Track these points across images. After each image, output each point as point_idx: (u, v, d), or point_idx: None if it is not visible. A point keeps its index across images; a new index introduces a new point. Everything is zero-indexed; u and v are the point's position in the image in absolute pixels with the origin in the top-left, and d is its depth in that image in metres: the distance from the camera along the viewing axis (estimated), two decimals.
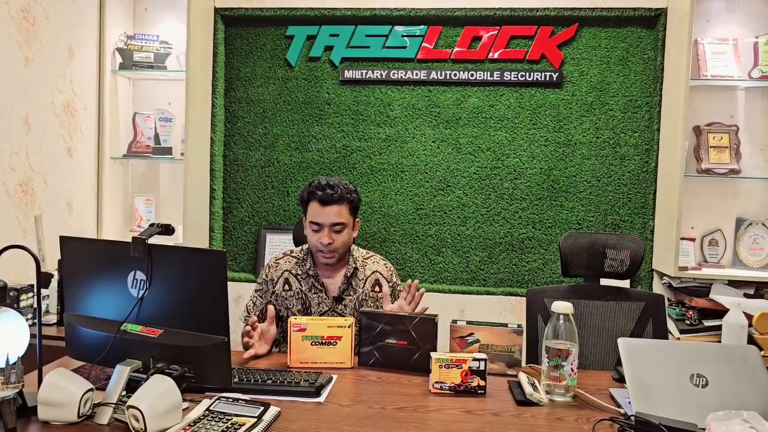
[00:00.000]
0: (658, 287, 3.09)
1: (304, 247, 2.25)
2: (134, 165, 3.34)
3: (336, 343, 1.88)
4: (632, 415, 1.49)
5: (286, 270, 2.20)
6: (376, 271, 2.23)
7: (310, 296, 2.16)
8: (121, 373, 1.48)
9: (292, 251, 2.26)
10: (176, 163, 3.23)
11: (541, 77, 3.16)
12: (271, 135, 3.33)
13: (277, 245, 3.28)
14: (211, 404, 1.46)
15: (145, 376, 1.46)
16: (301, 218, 3.16)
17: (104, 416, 1.42)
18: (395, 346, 1.89)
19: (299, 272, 2.18)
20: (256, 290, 2.24)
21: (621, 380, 1.82)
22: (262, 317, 2.17)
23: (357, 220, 2.20)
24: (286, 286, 2.17)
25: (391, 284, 2.23)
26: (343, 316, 2.14)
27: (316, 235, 2.11)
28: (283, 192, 3.34)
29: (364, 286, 2.19)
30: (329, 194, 2.09)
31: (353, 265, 2.19)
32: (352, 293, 2.18)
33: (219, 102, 3.33)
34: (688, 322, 2.84)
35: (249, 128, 3.35)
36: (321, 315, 2.14)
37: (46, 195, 2.69)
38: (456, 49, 3.21)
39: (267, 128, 3.34)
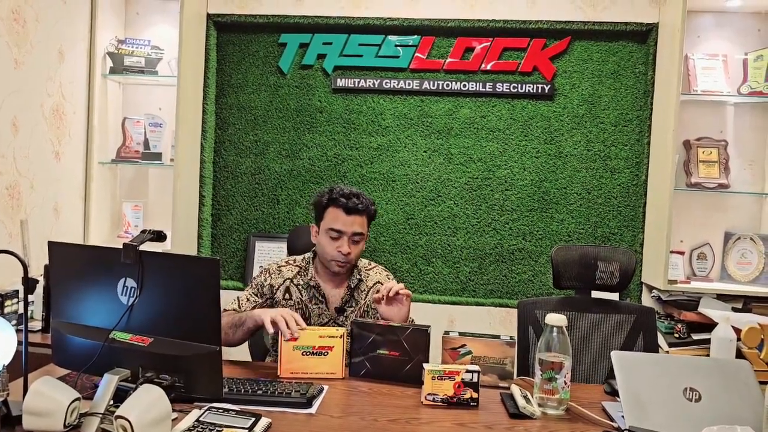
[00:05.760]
0: (647, 300, 3.10)
1: (306, 255, 2.19)
2: (123, 170, 3.30)
3: (327, 353, 1.86)
4: (626, 429, 1.48)
5: (288, 278, 2.14)
6: (378, 282, 2.17)
7: (311, 307, 2.11)
8: (108, 382, 1.44)
9: (294, 259, 2.20)
10: (165, 168, 3.19)
11: (533, 89, 3.18)
12: (262, 142, 3.32)
13: (267, 253, 3.26)
14: (201, 415, 1.43)
15: (133, 386, 1.42)
16: (295, 226, 3.16)
17: (91, 426, 1.38)
18: (387, 356, 1.87)
19: (300, 282, 2.13)
20: (251, 287, 2.18)
21: (613, 393, 1.81)
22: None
23: (368, 232, 2.16)
24: (287, 295, 2.12)
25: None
26: (344, 327, 2.11)
27: (334, 243, 2.05)
28: (273, 200, 3.32)
29: (366, 298, 2.14)
30: (355, 203, 2.05)
31: (357, 277, 2.14)
32: (354, 305, 2.13)
33: (210, 108, 3.30)
34: (676, 335, 2.84)
35: (240, 135, 3.33)
36: (321, 326, 2.10)
37: (33, 199, 2.65)
38: (449, 59, 3.22)
39: (258, 135, 3.32)
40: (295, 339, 1.84)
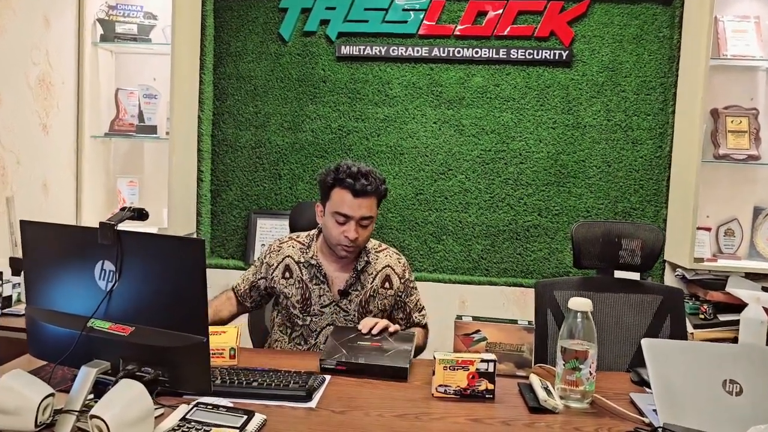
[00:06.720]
0: (670, 279, 2.95)
1: (311, 232, 2.06)
2: (117, 144, 3.15)
3: (220, 334, 1.73)
4: (660, 427, 1.34)
5: (288, 256, 2.01)
6: (388, 266, 2.03)
7: (311, 287, 1.98)
8: (86, 375, 1.31)
9: (298, 236, 2.08)
10: (161, 142, 3.04)
11: (549, 55, 3.00)
12: (263, 114, 3.16)
13: (269, 231, 3.12)
14: (188, 412, 1.30)
15: (114, 379, 1.29)
16: (298, 202, 3.02)
17: (66, 425, 1.25)
18: (368, 346, 1.75)
19: (302, 260, 2.00)
20: (254, 264, 2.10)
21: (641, 383, 1.67)
22: (249, 292, 2.06)
23: (377, 211, 2.00)
24: (287, 273, 2.00)
25: (403, 281, 2.05)
26: (347, 311, 1.98)
27: (340, 228, 1.90)
28: (274, 174, 3.17)
29: (373, 282, 2.00)
30: (364, 185, 1.87)
31: (365, 259, 2.00)
32: (359, 288, 1.99)
33: (207, 78, 3.15)
34: (702, 316, 2.71)
35: (239, 106, 3.18)
36: (322, 308, 1.98)
37: (19, 175, 2.50)
38: (460, 24, 3.04)
39: (258, 107, 3.16)
40: None
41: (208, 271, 3.18)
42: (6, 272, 2.27)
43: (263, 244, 3.03)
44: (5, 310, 2.20)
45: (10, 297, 2.25)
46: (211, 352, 1.66)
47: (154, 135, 3.04)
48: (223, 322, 2.02)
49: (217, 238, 3.23)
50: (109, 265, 1.35)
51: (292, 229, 2.38)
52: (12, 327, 2.09)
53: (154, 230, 2.87)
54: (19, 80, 2.48)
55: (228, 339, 1.72)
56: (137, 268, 1.33)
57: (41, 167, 2.65)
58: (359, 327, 1.85)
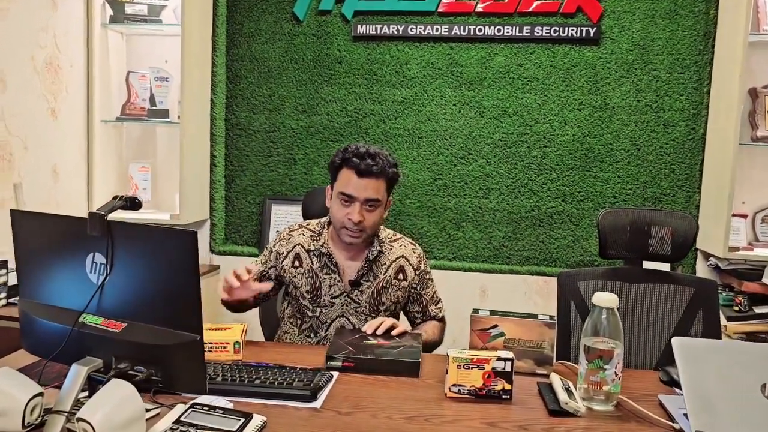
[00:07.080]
0: (702, 269, 2.81)
1: (322, 220, 1.99)
2: (129, 128, 3.10)
3: (226, 329, 1.68)
4: None
5: (298, 244, 1.94)
6: (403, 256, 1.95)
7: (322, 277, 1.91)
8: (77, 374, 1.24)
9: (309, 223, 2.01)
10: (173, 126, 2.98)
11: (576, 33, 2.86)
12: (277, 96, 3.07)
13: (284, 217, 3.05)
14: (183, 413, 1.23)
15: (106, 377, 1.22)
16: (312, 188, 2.94)
17: (55, 426, 1.19)
18: (374, 344, 1.67)
19: (312, 248, 1.93)
20: (263, 254, 2.03)
21: (670, 383, 1.57)
22: (259, 282, 1.95)
23: (390, 198, 1.91)
24: (296, 262, 1.93)
25: (419, 272, 1.96)
26: (358, 303, 1.90)
27: (344, 209, 1.83)
28: (289, 159, 3.09)
29: (386, 273, 1.92)
30: (369, 165, 1.80)
31: (377, 248, 1.92)
32: (371, 279, 1.91)
33: (220, 60, 3.07)
34: (736, 308, 2.59)
35: (253, 89, 3.10)
36: (332, 299, 1.90)
37: (27, 161, 2.45)
38: (481, 1, 2.91)
39: (272, 89, 3.08)
40: (245, 280, 1.73)
41: (223, 257, 3.14)
42: (9, 262, 2.23)
43: (278, 231, 2.96)
44: (11, 300, 2.16)
45: (16, 286, 2.20)
46: (215, 345, 1.62)
47: (166, 119, 2.98)
48: (242, 304, 1.91)
49: (232, 224, 3.16)
50: (100, 258, 1.27)
51: (305, 216, 2.31)
52: (17, 317, 2.04)
53: (166, 216, 2.83)
54: (25, 64, 2.43)
55: (233, 333, 1.66)
56: (129, 261, 1.25)
57: (50, 153, 2.60)
58: (363, 328, 1.77)
